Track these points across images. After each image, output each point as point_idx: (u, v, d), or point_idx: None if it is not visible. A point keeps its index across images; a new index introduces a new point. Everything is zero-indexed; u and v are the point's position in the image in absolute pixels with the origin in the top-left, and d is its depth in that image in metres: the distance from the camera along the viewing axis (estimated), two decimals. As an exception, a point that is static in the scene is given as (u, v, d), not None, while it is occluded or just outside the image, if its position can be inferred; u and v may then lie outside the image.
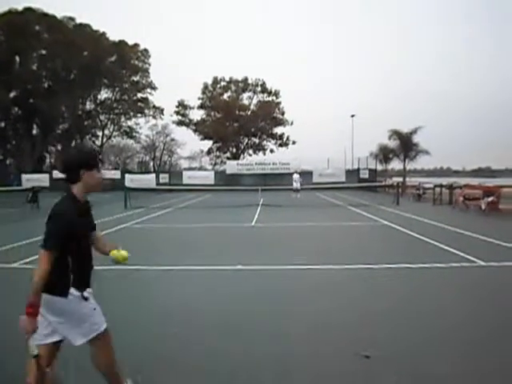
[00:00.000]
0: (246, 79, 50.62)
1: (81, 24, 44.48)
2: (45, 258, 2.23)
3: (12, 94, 42.87)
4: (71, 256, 2.34)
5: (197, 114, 51.36)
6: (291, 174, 32.13)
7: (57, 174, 37.63)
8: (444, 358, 3.34)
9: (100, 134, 51.07)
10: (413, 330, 3.99)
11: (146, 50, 48.74)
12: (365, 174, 33.72)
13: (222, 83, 50.93)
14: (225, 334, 3.97)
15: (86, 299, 2.43)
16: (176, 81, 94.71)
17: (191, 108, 51.15)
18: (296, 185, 24.78)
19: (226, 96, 50.85)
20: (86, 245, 2.48)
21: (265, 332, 3.99)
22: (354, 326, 4.13)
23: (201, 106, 50.71)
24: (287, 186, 26.11)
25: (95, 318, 2.52)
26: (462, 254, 7.38)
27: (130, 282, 5.98)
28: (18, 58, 42.71)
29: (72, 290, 2.35)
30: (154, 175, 37.40)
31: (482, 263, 6.74)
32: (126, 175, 36.58)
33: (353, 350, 3.51)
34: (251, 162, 39.59)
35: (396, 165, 33.60)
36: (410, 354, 3.45)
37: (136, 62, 48.60)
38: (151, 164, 57.71)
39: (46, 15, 41.82)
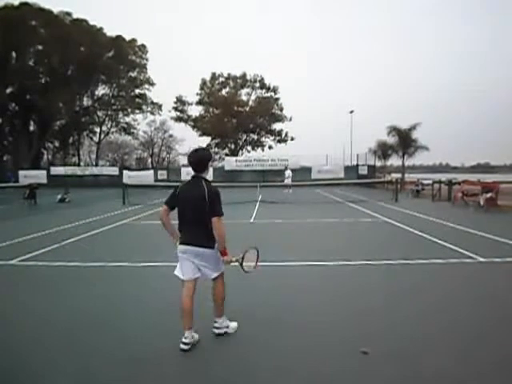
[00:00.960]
0: (244, 75, 50.44)
1: (77, 19, 44.15)
2: (222, 222, 3.66)
3: (8, 90, 42.61)
4: None
5: (195, 110, 51.27)
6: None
7: (55, 171, 37.74)
8: (443, 355, 3.32)
9: (98, 130, 50.98)
10: (411, 326, 3.98)
11: (143, 46, 48.49)
12: (363, 170, 33.72)
13: (221, 79, 50.74)
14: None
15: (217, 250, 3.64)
16: (174, 77, 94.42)
17: (189, 104, 51.01)
18: (287, 180, 25.67)
19: (224, 92, 50.66)
20: None
21: (262, 328, 3.97)
22: (352, 321, 4.11)
23: (199, 102, 50.53)
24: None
25: (221, 263, 3.71)
26: (460, 250, 7.37)
27: (129, 277, 5.95)
28: (14, 54, 42.40)
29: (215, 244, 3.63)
30: (152, 172, 37.33)
31: (481, 259, 6.73)
32: (124, 172, 36.50)
33: (351, 345, 3.50)
34: (250, 158, 39.48)
35: (395, 161, 33.65)
36: (408, 350, 3.44)
37: (133, 58, 48.32)
38: (149, 160, 57.60)
39: (42, 10, 41.46)
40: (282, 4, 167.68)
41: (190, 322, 3.63)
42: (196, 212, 3.64)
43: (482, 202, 14.61)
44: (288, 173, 26.58)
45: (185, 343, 3.55)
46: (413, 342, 3.61)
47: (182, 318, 3.62)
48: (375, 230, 10.54)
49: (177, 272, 3.76)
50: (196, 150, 3.95)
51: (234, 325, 3.95)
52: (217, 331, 3.84)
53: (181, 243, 3.74)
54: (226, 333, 3.84)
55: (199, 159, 3.79)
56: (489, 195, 14.63)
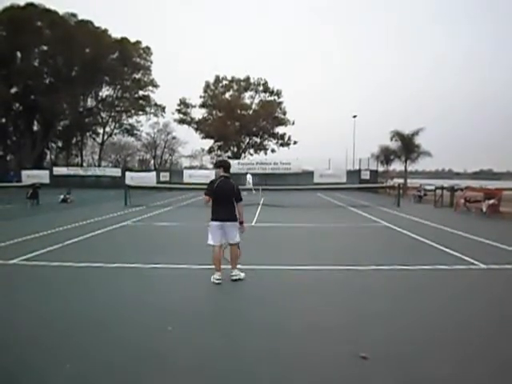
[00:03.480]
0: (248, 78, 50.56)
1: (82, 20, 44.47)
2: (242, 206, 5.77)
3: (13, 90, 42.86)
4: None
5: (198, 113, 51.42)
6: (291, 175, 32.69)
7: (57, 171, 37.85)
8: (443, 361, 3.30)
9: (101, 131, 51.19)
10: (412, 331, 3.96)
11: (147, 48, 48.75)
12: (366, 175, 33.75)
13: (224, 82, 50.88)
14: (222, 333, 3.94)
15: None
16: (178, 79, 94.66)
17: (193, 106, 51.18)
18: (249, 184, 27.75)
19: (227, 95, 50.79)
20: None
21: (261, 332, 3.96)
22: (352, 327, 4.10)
23: (202, 105, 50.67)
24: (288, 185, 26.25)
25: (238, 235, 5.78)
26: (462, 257, 7.35)
27: (130, 279, 5.95)
28: (19, 54, 42.70)
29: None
30: (154, 173, 37.45)
31: (483, 266, 6.71)
32: (127, 173, 36.64)
33: (350, 351, 3.48)
34: (252, 161, 39.58)
35: (397, 166, 33.68)
36: (408, 356, 3.42)
37: (138, 60, 48.58)
38: (152, 162, 57.73)
39: (47, 11, 41.80)
40: (285, 7, 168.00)
41: (220, 266, 5.61)
42: (229, 199, 5.67)
43: (484, 209, 14.58)
44: (249, 176, 28.73)
45: (218, 279, 5.56)
46: (413, 347, 3.59)
47: (214, 264, 5.63)
48: (376, 235, 10.51)
49: (210, 241, 5.63)
50: (225, 160, 5.92)
51: (243, 274, 5.77)
52: (233, 278, 5.67)
53: (216, 220, 5.61)
54: (239, 279, 5.67)
55: (229, 165, 5.91)
56: (491, 202, 14.61)
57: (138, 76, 49.66)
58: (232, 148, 50.92)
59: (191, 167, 50.60)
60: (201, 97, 50.50)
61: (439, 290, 5.46)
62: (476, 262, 6.90)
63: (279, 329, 4.05)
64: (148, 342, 3.72)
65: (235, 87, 50.94)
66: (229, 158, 46.92)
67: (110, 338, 3.82)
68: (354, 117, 42.55)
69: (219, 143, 50.85)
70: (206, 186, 5.79)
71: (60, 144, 52.06)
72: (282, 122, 50.22)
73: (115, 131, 52.40)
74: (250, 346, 3.68)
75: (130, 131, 52.47)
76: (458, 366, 3.27)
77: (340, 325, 4.18)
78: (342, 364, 3.31)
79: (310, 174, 35.26)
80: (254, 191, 26.07)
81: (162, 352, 3.51)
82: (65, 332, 3.96)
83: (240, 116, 48.98)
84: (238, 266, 5.90)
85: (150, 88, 50.40)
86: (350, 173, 35.64)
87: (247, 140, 51.67)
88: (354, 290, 5.44)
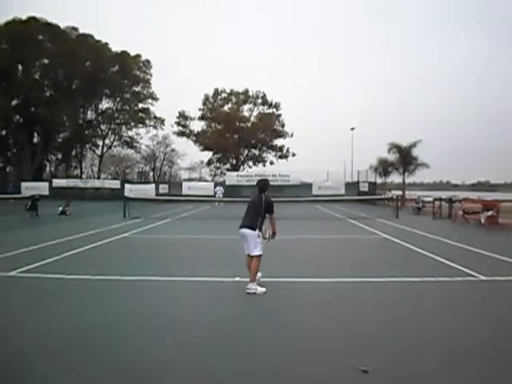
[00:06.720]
0: (246, 91, 51.02)
1: (83, 34, 44.98)
2: (274, 218, 5.91)
3: (14, 102, 43.11)
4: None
5: (197, 125, 51.79)
6: (290, 187, 32.96)
7: (57, 183, 37.84)
8: (444, 374, 3.29)
9: (100, 143, 51.34)
10: (412, 344, 3.94)
11: (147, 61, 49.25)
12: (364, 187, 33.78)
13: (223, 95, 51.34)
14: (220, 347, 3.91)
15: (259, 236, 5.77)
16: (177, 92, 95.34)
17: (192, 119, 51.56)
18: (218, 195, 29.13)
19: (226, 108, 51.19)
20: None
21: (260, 345, 3.93)
22: (351, 340, 4.08)
23: (201, 117, 51.04)
24: (287, 197, 26.30)
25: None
26: (461, 268, 7.34)
27: (128, 291, 5.93)
28: (20, 67, 43.07)
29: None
30: (153, 185, 37.47)
31: (482, 277, 6.70)
32: (126, 185, 36.63)
33: (351, 364, 3.46)
34: (251, 173, 39.65)
35: (395, 178, 33.80)
36: (408, 369, 3.41)
37: (137, 73, 49.03)
38: (151, 174, 57.83)
39: (49, 25, 42.27)
40: (283, 20, 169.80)
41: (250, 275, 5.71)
42: (255, 210, 5.88)
43: (482, 220, 14.61)
44: (219, 189, 30.34)
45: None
46: (413, 361, 3.58)
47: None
48: (375, 246, 10.51)
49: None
50: (261, 179, 6.18)
51: (262, 290, 5.61)
52: (246, 291, 5.56)
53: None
54: (254, 293, 5.54)
55: (267, 184, 6.15)
56: (489, 213, 14.64)
57: (137, 89, 50.07)
58: (231, 160, 51.12)
59: (190, 179, 50.67)
60: (200, 109, 50.96)
61: (439, 302, 5.44)
62: (475, 274, 6.89)
63: (278, 342, 4.03)
64: (146, 353, 3.69)
65: (234, 100, 51.37)
66: (227, 170, 47.10)
67: (105, 351, 3.80)
68: (352, 129, 42.84)
69: (218, 155, 51.08)
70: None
71: (60, 156, 52.18)
72: (281, 135, 50.54)
73: (115, 143, 52.64)
74: (247, 355, 3.66)
75: (130, 143, 52.67)
76: (457, 378, 3.25)
77: (339, 338, 4.16)
78: (342, 378, 3.29)
79: (309, 185, 35.34)
80: (216, 204, 26.99)
81: (161, 363, 3.49)
82: (61, 343, 3.93)
83: (239, 128, 49.29)
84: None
85: (150, 101, 50.80)
86: (348, 185, 35.71)
87: (246, 152, 51.91)
88: (352, 303, 5.43)
